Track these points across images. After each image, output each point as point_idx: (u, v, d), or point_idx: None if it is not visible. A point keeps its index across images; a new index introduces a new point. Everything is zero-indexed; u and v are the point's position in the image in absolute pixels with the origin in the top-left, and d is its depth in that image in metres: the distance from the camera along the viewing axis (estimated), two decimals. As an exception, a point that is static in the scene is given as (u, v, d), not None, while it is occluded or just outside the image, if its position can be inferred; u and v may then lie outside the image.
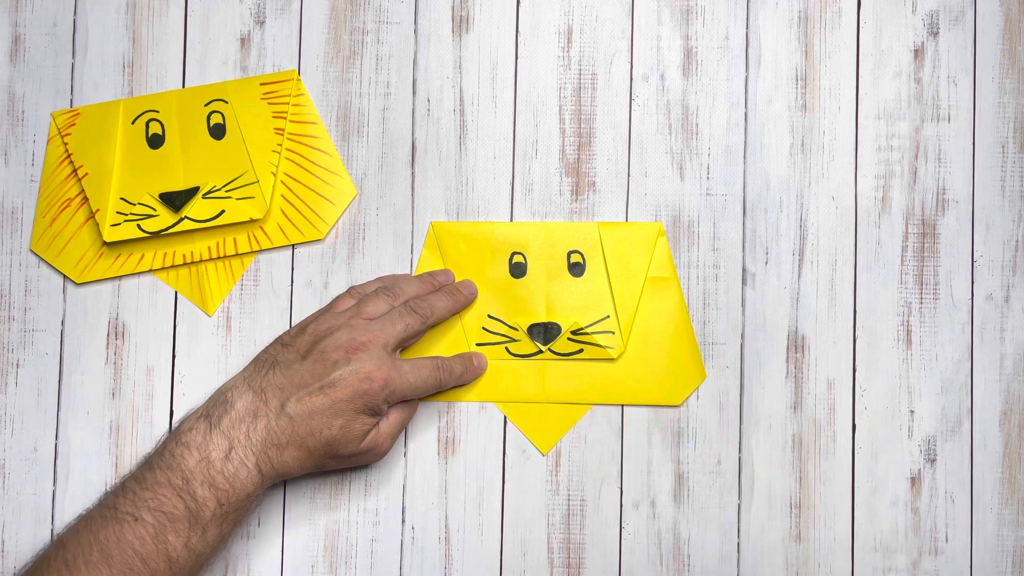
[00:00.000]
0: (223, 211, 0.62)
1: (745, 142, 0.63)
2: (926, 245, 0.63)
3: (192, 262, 0.63)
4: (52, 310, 0.63)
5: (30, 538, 0.61)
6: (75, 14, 0.64)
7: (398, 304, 0.58)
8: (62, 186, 0.63)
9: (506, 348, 0.62)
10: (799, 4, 0.64)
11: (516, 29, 0.64)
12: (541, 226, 0.63)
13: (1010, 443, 0.62)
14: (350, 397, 0.54)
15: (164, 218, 0.62)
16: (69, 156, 0.63)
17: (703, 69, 0.64)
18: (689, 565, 0.61)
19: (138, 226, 0.62)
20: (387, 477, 0.62)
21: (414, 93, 0.64)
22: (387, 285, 0.60)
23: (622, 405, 0.62)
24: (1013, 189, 0.63)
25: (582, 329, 0.62)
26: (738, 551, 0.61)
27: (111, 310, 0.63)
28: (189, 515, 0.52)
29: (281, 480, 0.57)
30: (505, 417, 0.62)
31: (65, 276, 0.63)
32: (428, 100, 0.64)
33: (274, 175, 0.63)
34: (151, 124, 0.63)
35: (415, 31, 0.64)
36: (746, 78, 0.64)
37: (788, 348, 0.62)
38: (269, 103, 0.63)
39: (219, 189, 0.62)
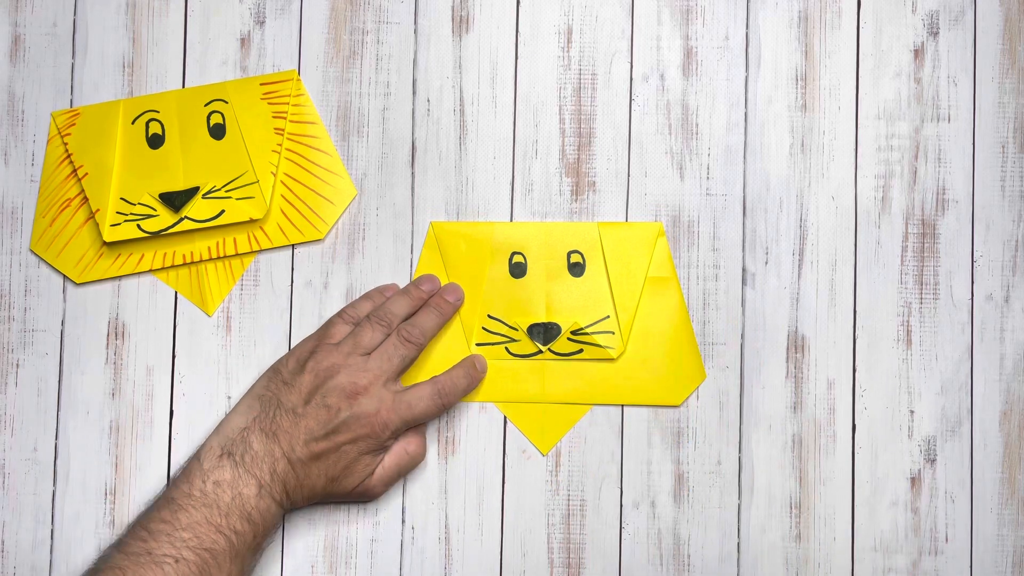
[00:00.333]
0: (223, 211, 0.62)
1: (745, 142, 0.63)
2: (926, 245, 0.63)
3: (192, 262, 0.63)
4: (52, 310, 0.63)
5: (30, 538, 0.61)
6: (75, 14, 0.64)
7: (392, 332, 0.59)
8: (62, 186, 0.63)
9: (506, 348, 0.62)
10: (799, 4, 0.64)
11: (516, 29, 0.64)
12: (541, 226, 0.63)
13: (1010, 443, 0.62)
14: (353, 440, 0.57)
15: (164, 218, 0.62)
16: (69, 156, 0.63)
17: (703, 69, 0.64)
18: (689, 565, 0.61)
19: (138, 226, 0.62)
20: (387, 477, 0.62)
21: (414, 93, 0.64)
22: (378, 311, 0.60)
23: (622, 405, 0.62)
24: (1013, 189, 0.63)
25: (582, 329, 0.62)
26: (738, 551, 0.61)
27: (111, 310, 0.63)
28: (231, 549, 0.53)
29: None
30: (505, 417, 0.62)
31: (65, 276, 0.63)
32: (428, 100, 0.64)
33: (274, 175, 0.63)
34: (151, 124, 0.63)
35: (415, 31, 0.64)
36: (746, 78, 0.64)
37: (788, 348, 0.62)
38: (269, 103, 0.63)
39: (219, 189, 0.62)
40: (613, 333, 0.62)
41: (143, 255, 0.63)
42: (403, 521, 0.62)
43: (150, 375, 0.62)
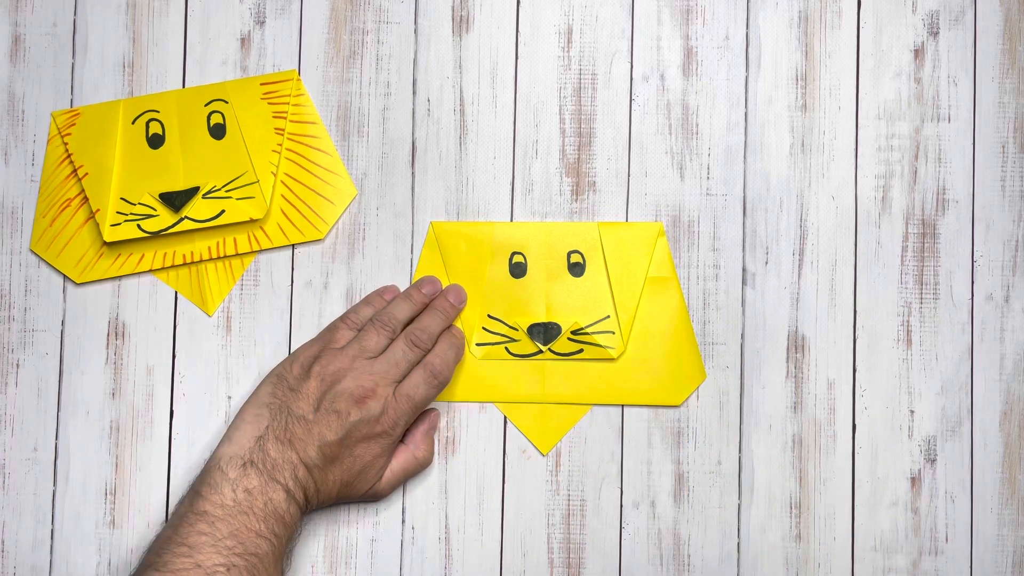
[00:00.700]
0: (223, 211, 0.62)
1: (745, 142, 0.63)
2: (926, 245, 0.63)
3: (192, 262, 0.63)
4: (52, 310, 0.63)
5: (30, 538, 0.61)
6: (75, 14, 0.64)
7: (399, 337, 0.59)
8: (62, 186, 0.63)
9: (506, 348, 0.62)
10: (799, 4, 0.64)
11: (516, 29, 0.64)
12: (541, 226, 0.63)
13: (1010, 443, 0.62)
14: (366, 443, 0.57)
15: (164, 218, 0.62)
16: (69, 156, 0.63)
17: (703, 69, 0.64)
18: (689, 565, 0.61)
19: (138, 226, 0.62)
20: (387, 477, 0.62)
21: (414, 93, 0.64)
22: (380, 315, 0.60)
23: (622, 405, 0.62)
24: (1013, 189, 0.63)
25: (582, 329, 0.62)
26: (738, 551, 0.61)
27: (111, 310, 0.63)
28: (273, 552, 0.53)
29: None
30: (505, 417, 0.62)
31: (65, 276, 0.63)
32: (428, 100, 0.64)
33: (274, 175, 0.63)
34: (151, 124, 0.63)
35: (415, 31, 0.64)
36: (746, 78, 0.64)
37: (788, 348, 0.62)
38: (269, 103, 0.63)
39: (219, 189, 0.62)
40: (613, 333, 0.62)
41: (143, 255, 0.63)
42: (403, 521, 0.62)
43: (150, 375, 0.62)
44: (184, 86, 0.64)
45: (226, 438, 0.56)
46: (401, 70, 0.64)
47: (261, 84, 0.64)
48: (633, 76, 0.64)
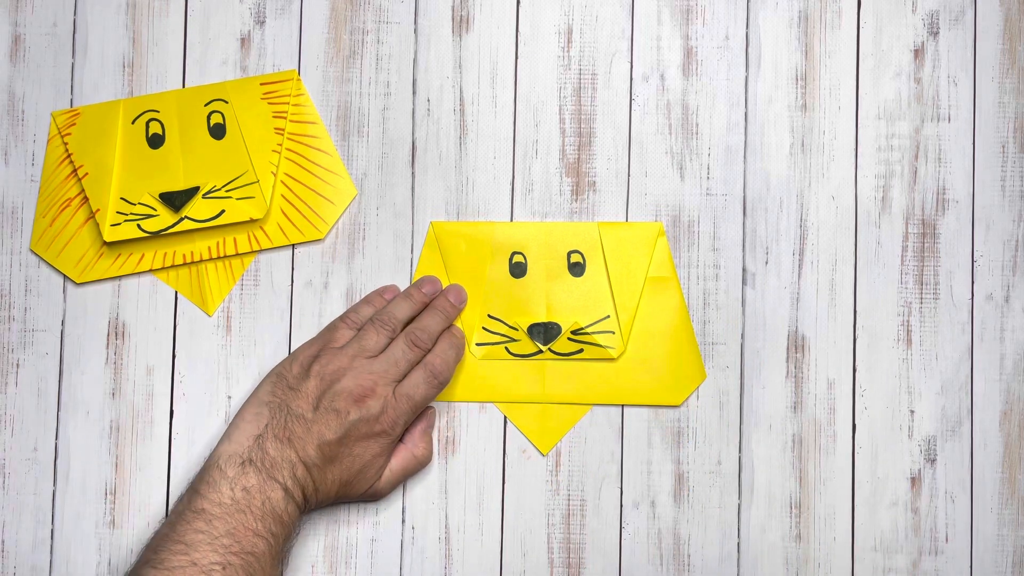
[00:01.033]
0: (223, 211, 0.62)
1: (745, 142, 0.63)
2: (926, 245, 0.63)
3: (192, 262, 0.63)
4: (52, 310, 0.63)
5: (30, 538, 0.61)
6: (75, 14, 0.64)
7: (399, 336, 0.59)
8: (62, 186, 0.63)
9: (506, 348, 0.62)
10: (799, 4, 0.64)
11: (516, 29, 0.64)
12: (541, 226, 0.63)
13: (1010, 443, 0.62)
14: (365, 442, 0.57)
15: (164, 218, 0.62)
16: (69, 156, 0.63)
17: (703, 69, 0.64)
18: (689, 565, 0.61)
19: (138, 226, 0.62)
20: (387, 477, 0.62)
21: (414, 93, 0.64)
22: (380, 314, 0.60)
23: (622, 405, 0.62)
24: (1013, 189, 0.63)
25: (582, 329, 0.62)
26: (738, 551, 0.61)
27: (111, 310, 0.63)
28: (270, 551, 0.53)
29: None
30: (505, 417, 0.62)
31: (65, 276, 0.63)
32: (428, 100, 0.64)
33: (274, 175, 0.63)
34: (151, 124, 0.63)
35: (415, 31, 0.64)
36: (746, 78, 0.64)
37: (788, 348, 0.62)
38: (269, 103, 0.63)
39: (219, 189, 0.62)
40: (613, 333, 0.62)
41: (143, 255, 0.63)
42: (403, 521, 0.62)
43: (150, 375, 0.62)
44: (184, 86, 0.64)
45: (226, 436, 0.56)
46: (401, 70, 0.64)
47: (261, 84, 0.64)
48: (633, 76, 0.64)
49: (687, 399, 0.62)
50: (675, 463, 0.62)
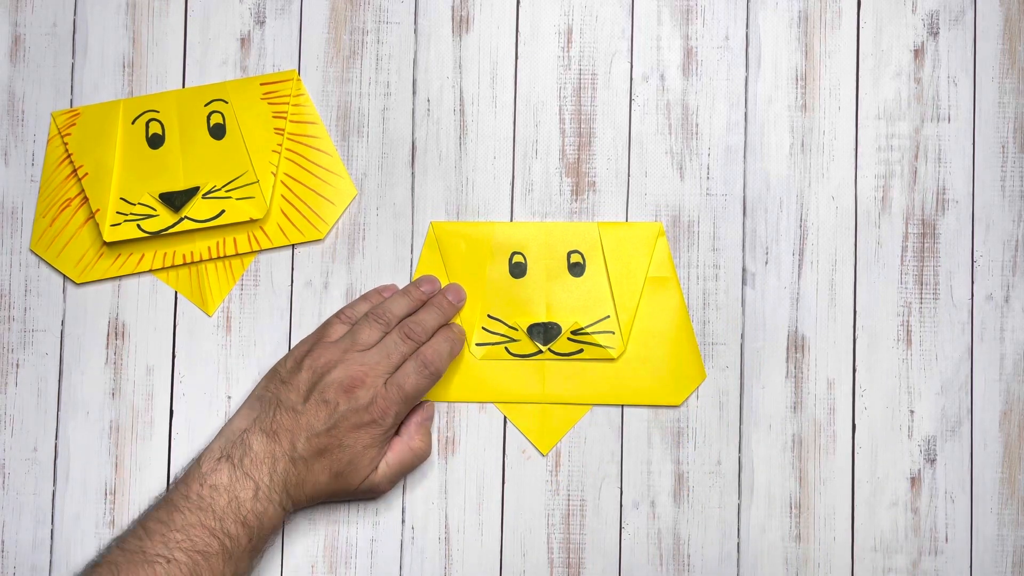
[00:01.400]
0: (223, 211, 0.62)
1: (745, 142, 0.63)
2: (926, 245, 0.63)
3: (192, 262, 0.63)
4: (52, 310, 0.63)
5: (30, 538, 0.61)
6: (75, 14, 0.64)
7: (391, 329, 0.59)
8: (62, 186, 0.63)
9: (506, 348, 0.62)
10: (799, 4, 0.64)
11: (516, 29, 0.64)
12: (541, 226, 0.63)
13: (1010, 443, 0.62)
14: (354, 433, 0.56)
15: (164, 218, 0.62)
16: (69, 156, 0.63)
17: (703, 69, 0.64)
18: (689, 565, 0.61)
19: (138, 226, 0.62)
20: (387, 477, 0.62)
21: (414, 93, 0.64)
22: (376, 309, 0.60)
23: (622, 405, 0.62)
24: (1013, 189, 0.63)
25: (582, 329, 0.62)
26: (738, 551, 0.61)
27: (111, 310, 0.63)
28: (224, 551, 0.53)
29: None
30: (505, 417, 0.62)
31: (65, 276, 0.63)
32: (428, 100, 0.64)
33: (274, 175, 0.63)
34: (151, 124, 0.63)
35: (415, 31, 0.64)
36: (746, 78, 0.64)
37: (788, 348, 0.62)
38: (269, 103, 0.63)
39: (219, 189, 0.62)
40: (613, 333, 0.62)
41: (143, 255, 0.63)
42: (403, 521, 0.62)
43: (150, 375, 0.62)
44: (184, 86, 0.64)
45: (219, 432, 0.57)
46: (401, 70, 0.64)
47: (261, 84, 0.64)
48: (633, 76, 0.64)
49: (687, 399, 0.62)
50: (675, 463, 0.62)
